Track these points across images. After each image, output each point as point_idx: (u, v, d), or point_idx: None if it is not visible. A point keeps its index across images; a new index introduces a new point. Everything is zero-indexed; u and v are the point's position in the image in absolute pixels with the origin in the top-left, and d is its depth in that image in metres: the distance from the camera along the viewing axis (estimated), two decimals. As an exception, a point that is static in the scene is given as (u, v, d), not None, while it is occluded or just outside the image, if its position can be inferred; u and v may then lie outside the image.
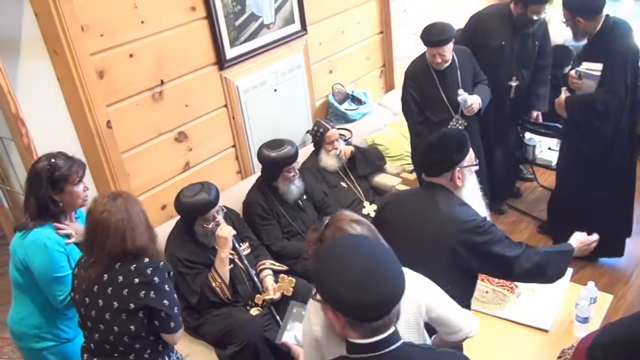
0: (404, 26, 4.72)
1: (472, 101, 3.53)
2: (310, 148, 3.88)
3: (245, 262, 3.05)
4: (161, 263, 2.10)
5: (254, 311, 2.99)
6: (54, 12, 2.60)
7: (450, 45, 3.47)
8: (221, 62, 3.42)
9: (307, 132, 3.98)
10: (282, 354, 2.93)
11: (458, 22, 5.05)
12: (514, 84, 3.87)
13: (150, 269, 2.06)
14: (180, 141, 3.35)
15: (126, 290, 2.04)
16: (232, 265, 3.02)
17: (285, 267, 3.21)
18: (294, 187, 3.36)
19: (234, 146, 3.68)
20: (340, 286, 1.34)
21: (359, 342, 1.39)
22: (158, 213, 3.32)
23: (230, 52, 3.46)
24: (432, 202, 2.20)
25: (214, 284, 2.87)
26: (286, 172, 3.29)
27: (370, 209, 3.68)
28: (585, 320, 2.54)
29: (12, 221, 3.30)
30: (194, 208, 2.85)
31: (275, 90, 3.80)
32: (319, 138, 3.73)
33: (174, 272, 2.52)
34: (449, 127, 3.63)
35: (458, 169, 2.20)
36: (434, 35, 3.42)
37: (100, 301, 2.07)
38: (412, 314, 1.75)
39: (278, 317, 2.97)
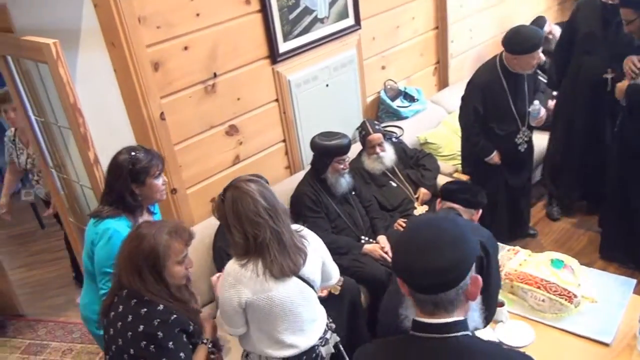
0: (460, 22, 4.60)
1: (543, 112, 3.49)
2: (359, 146, 3.82)
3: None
4: (173, 317, 1.92)
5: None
6: (112, 4, 2.62)
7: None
8: (274, 56, 3.40)
9: (357, 129, 3.92)
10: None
11: (514, 17, 4.91)
12: (609, 76, 3.57)
13: (159, 320, 1.90)
14: (231, 134, 3.35)
15: (130, 334, 1.91)
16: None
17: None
18: (343, 181, 3.32)
19: (284, 141, 3.65)
20: (401, 253, 1.41)
21: (420, 320, 1.39)
22: (207, 206, 3.32)
23: (283, 46, 3.43)
24: None
25: None
26: (337, 162, 3.26)
27: (421, 209, 3.60)
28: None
29: (67, 208, 3.38)
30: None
31: (327, 85, 3.75)
32: (362, 139, 3.67)
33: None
34: (516, 140, 3.56)
35: None
36: (533, 39, 3.30)
37: (111, 330, 1.98)
38: (318, 257, 2.26)
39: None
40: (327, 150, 3.26)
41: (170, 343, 1.89)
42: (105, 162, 2.81)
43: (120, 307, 1.95)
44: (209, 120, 3.22)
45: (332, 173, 3.30)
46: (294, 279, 2.17)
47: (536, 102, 3.50)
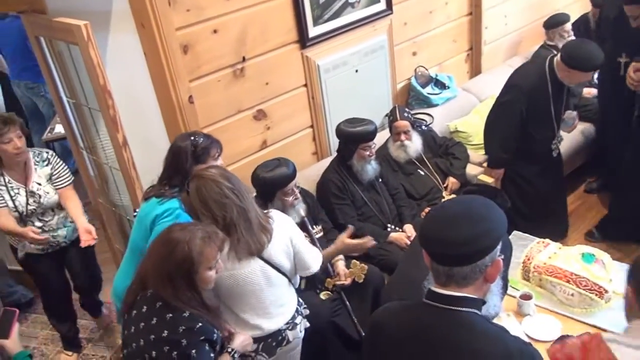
0: (495, 8, 4.48)
1: (577, 121, 3.58)
2: (387, 133, 3.76)
3: (318, 244, 3.01)
4: (198, 325, 1.87)
5: (323, 295, 2.96)
6: (143, -14, 2.63)
7: None
8: (303, 40, 3.36)
9: (386, 115, 3.87)
10: (350, 340, 2.89)
11: (550, 4, 4.77)
12: (622, 60, 3.50)
13: (183, 327, 1.84)
14: (259, 119, 3.34)
15: (153, 336, 1.86)
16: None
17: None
18: (370, 168, 3.29)
19: (311, 126, 3.63)
20: (428, 223, 1.48)
21: (433, 289, 1.44)
22: (234, 190, 3.33)
23: (313, 31, 3.39)
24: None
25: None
26: (362, 149, 3.22)
27: (449, 199, 3.54)
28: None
29: (97, 189, 3.43)
30: (273, 182, 2.83)
31: (356, 71, 3.70)
32: (389, 125, 3.62)
33: None
34: (552, 146, 3.51)
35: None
36: (596, 60, 3.19)
37: (132, 328, 1.93)
38: (286, 241, 2.26)
39: (348, 304, 2.92)
40: (352, 137, 3.23)
41: (194, 351, 1.85)
42: (134, 144, 2.85)
43: (144, 307, 1.91)
44: (237, 104, 3.22)
45: (357, 160, 3.26)
46: (258, 261, 2.20)
47: (573, 111, 3.55)
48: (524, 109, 3.35)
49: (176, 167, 2.40)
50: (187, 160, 2.37)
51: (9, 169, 2.93)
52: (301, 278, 2.64)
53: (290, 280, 2.36)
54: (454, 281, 1.40)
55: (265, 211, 2.32)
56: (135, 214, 2.82)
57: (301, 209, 2.99)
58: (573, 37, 4.35)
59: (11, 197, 2.92)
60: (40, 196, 2.97)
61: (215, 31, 2.98)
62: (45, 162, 3.01)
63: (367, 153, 3.25)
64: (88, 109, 2.98)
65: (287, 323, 2.36)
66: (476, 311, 1.42)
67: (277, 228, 2.26)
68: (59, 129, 4.45)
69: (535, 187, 3.60)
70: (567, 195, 3.97)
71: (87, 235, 2.94)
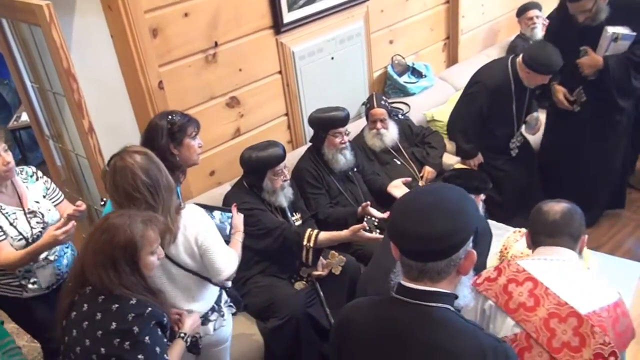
0: (473, -4, 4.45)
1: (540, 123, 3.61)
2: (364, 122, 3.71)
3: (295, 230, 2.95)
4: (148, 310, 1.78)
5: (298, 285, 2.90)
6: (109, -35, 2.52)
7: None
8: (278, 26, 3.28)
9: (363, 104, 3.81)
10: (324, 331, 2.84)
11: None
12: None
13: (133, 315, 1.75)
14: (232, 106, 3.26)
15: (100, 332, 1.76)
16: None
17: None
18: (341, 157, 3.21)
19: (286, 114, 3.56)
20: (397, 215, 1.40)
21: (404, 284, 1.39)
22: (206, 179, 3.25)
23: (287, 16, 3.31)
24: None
25: (305, 242, 2.73)
26: (332, 135, 3.15)
27: (425, 188, 3.51)
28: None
29: (64, 179, 3.31)
30: (264, 161, 2.82)
31: (332, 58, 3.63)
32: (366, 113, 3.56)
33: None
34: (510, 144, 3.62)
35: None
36: (554, 65, 3.29)
37: (74, 331, 1.80)
38: (190, 240, 2.11)
39: (322, 294, 2.87)
40: (321, 123, 3.17)
41: (147, 338, 1.77)
42: (101, 130, 2.75)
43: (85, 305, 1.80)
44: (210, 91, 3.13)
45: (328, 147, 3.19)
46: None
47: (536, 113, 3.59)
48: (485, 106, 3.46)
49: (151, 144, 2.34)
50: (162, 138, 2.35)
51: None
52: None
53: (204, 278, 2.23)
54: (427, 276, 1.35)
55: (182, 205, 2.16)
56: (102, 202, 2.73)
57: (290, 193, 2.97)
58: (538, 25, 4.31)
59: (10, 223, 2.38)
60: (42, 215, 2.47)
61: (186, 14, 2.88)
62: (34, 177, 2.54)
63: (338, 140, 3.17)
64: (52, 94, 2.86)
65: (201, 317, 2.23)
66: (449, 307, 1.37)
67: (184, 227, 2.13)
68: (25, 117, 4.30)
69: (509, 175, 3.62)
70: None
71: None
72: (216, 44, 3.06)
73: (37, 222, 2.44)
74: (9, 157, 2.34)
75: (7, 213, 2.37)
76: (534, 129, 3.64)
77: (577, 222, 1.89)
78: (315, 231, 2.76)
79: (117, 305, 1.77)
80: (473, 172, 2.68)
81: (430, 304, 1.35)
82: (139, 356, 1.75)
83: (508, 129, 3.59)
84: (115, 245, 1.78)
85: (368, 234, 2.68)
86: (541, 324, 1.71)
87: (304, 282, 2.92)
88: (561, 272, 1.80)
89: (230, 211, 2.45)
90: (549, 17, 3.76)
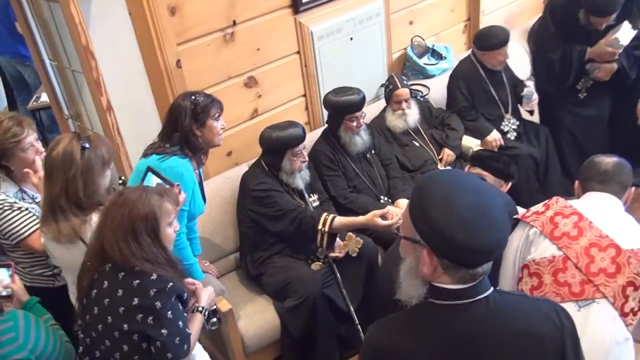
0: (495, -23, 4.35)
1: (536, 96, 3.65)
2: (382, 104, 3.67)
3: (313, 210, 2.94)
4: (169, 285, 1.80)
5: (315, 266, 2.89)
6: (128, -58, 2.50)
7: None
8: (296, 5, 3.24)
9: (382, 86, 3.76)
10: (341, 313, 2.83)
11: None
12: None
13: (154, 290, 1.77)
14: (249, 86, 3.23)
15: (122, 308, 1.77)
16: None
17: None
18: (359, 139, 3.17)
19: (304, 95, 3.52)
20: (448, 222, 1.18)
21: (446, 287, 1.24)
22: (223, 160, 3.24)
23: (306, -5, 3.27)
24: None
25: (320, 226, 2.72)
26: (348, 120, 3.11)
27: (444, 170, 3.46)
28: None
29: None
30: (284, 141, 2.81)
31: (351, 39, 3.58)
32: (387, 94, 3.50)
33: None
34: (502, 127, 3.73)
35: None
36: (499, 37, 3.57)
37: (95, 309, 1.82)
38: None
39: (339, 276, 2.86)
40: (337, 107, 3.11)
41: (169, 313, 1.79)
42: (119, 109, 2.75)
43: (105, 282, 1.81)
44: (227, 70, 3.10)
45: (344, 131, 3.15)
46: (81, 245, 2.05)
47: (530, 83, 3.68)
48: (466, 91, 3.68)
49: (174, 124, 2.41)
50: (185, 119, 2.38)
51: (26, 181, 2.37)
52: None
53: None
54: (478, 277, 1.24)
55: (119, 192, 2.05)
56: (121, 181, 2.73)
57: (307, 175, 2.95)
58: None
59: None
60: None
61: (204, -8, 2.86)
62: None
63: (354, 124, 3.12)
64: (71, 72, 2.86)
65: None
66: (492, 288, 1.28)
67: None
68: (45, 97, 4.32)
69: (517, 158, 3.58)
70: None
71: None
72: (234, 23, 3.03)
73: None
74: (41, 147, 2.38)
75: (39, 202, 2.35)
76: (530, 101, 3.65)
77: (627, 174, 2.07)
78: (331, 216, 2.74)
79: (138, 281, 1.78)
80: (508, 158, 2.77)
81: (483, 295, 1.25)
82: (162, 331, 1.77)
83: (496, 112, 3.72)
84: (135, 217, 1.79)
85: (384, 222, 2.62)
86: (582, 251, 1.88)
87: (320, 263, 2.91)
88: (607, 211, 1.98)
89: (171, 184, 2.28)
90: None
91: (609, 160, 2.08)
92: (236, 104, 3.20)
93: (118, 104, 2.73)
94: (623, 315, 1.84)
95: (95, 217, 2.03)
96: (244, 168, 3.13)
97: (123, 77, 2.80)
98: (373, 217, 2.61)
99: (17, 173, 2.35)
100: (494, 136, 3.62)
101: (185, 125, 2.40)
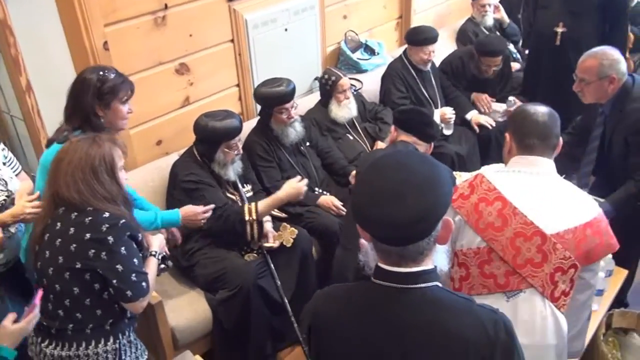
0: (426, -23, 4.46)
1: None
2: (316, 97, 3.66)
3: (247, 202, 2.88)
4: (122, 221, 1.79)
5: (248, 257, 2.83)
6: None
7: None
8: (231, -9, 3.18)
9: (316, 79, 3.76)
10: (274, 304, 2.79)
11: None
12: (559, 30, 3.66)
13: (107, 225, 1.76)
14: (181, 73, 3.13)
15: (74, 245, 1.75)
16: (231, 207, 2.85)
17: (284, 215, 3.04)
18: (291, 130, 3.12)
19: (237, 85, 3.45)
20: (363, 199, 1.22)
21: (384, 268, 1.25)
22: (152, 149, 3.12)
23: (241, -18, 3.21)
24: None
25: (247, 217, 2.69)
26: (278, 112, 3.07)
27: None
28: (600, 292, 2.40)
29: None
30: (221, 132, 2.71)
31: (285, 29, 3.55)
32: (330, 87, 3.48)
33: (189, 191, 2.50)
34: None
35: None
36: (425, 33, 3.71)
37: (47, 252, 1.80)
38: None
39: (272, 267, 2.81)
40: (266, 99, 3.06)
41: (123, 248, 1.76)
42: (39, 89, 2.58)
43: (58, 224, 1.79)
44: (158, 55, 2.99)
45: (276, 123, 3.10)
46: None
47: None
48: (401, 88, 3.78)
49: (75, 102, 2.17)
50: (88, 96, 2.14)
51: None
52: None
53: None
54: (409, 259, 1.22)
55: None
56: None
57: (239, 167, 2.87)
58: (489, 13, 4.43)
59: None
60: (6, 182, 2.23)
61: (134, -28, 2.74)
62: None
63: (284, 116, 3.07)
64: (-15, 50, 2.66)
65: None
66: (437, 283, 1.25)
67: None
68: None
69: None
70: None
71: None
72: (166, 7, 2.92)
73: (1, 190, 2.22)
74: None
75: None
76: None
77: (558, 125, 1.90)
78: (253, 203, 2.72)
79: (90, 218, 1.76)
80: (429, 115, 2.66)
81: (420, 285, 1.23)
82: (117, 266, 1.74)
83: (428, 107, 3.81)
84: (93, 157, 1.80)
85: (299, 183, 2.76)
86: (507, 243, 1.78)
87: (254, 254, 2.85)
88: (535, 188, 1.82)
89: None
90: None
91: (543, 111, 1.88)
92: (167, 91, 3.09)
93: (38, 85, 2.57)
94: (554, 300, 1.77)
95: None
96: (174, 157, 3.03)
97: (45, 57, 2.63)
98: (289, 186, 2.69)
99: None
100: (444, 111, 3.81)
101: (87, 104, 2.15)
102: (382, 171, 1.24)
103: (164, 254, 2.13)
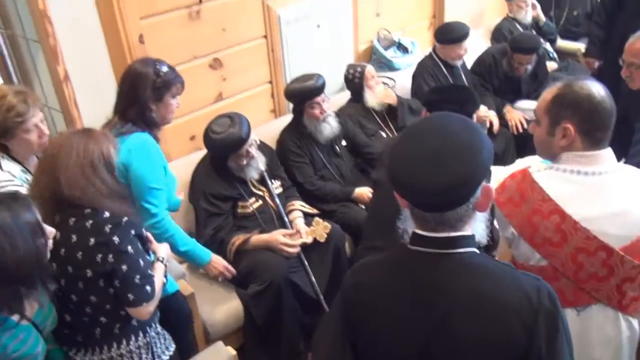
0: (460, -25, 4.40)
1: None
2: (348, 94, 3.61)
3: (277, 200, 2.85)
4: (124, 219, 1.72)
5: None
6: None
7: None
8: (264, -14, 3.17)
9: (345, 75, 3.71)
10: (306, 300, 2.74)
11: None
12: None
13: (110, 225, 1.69)
14: (215, 68, 3.12)
15: (80, 253, 1.68)
16: (261, 203, 2.82)
17: (315, 210, 2.99)
18: (326, 126, 3.07)
19: (270, 82, 3.43)
20: (401, 163, 1.19)
21: (420, 233, 1.22)
22: (186, 143, 3.11)
23: (274, -22, 3.20)
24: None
25: (233, 240, 2.69)
26: (309, 107, 3.02)
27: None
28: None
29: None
30: (222, 145, 2.65)
31: (318, 26, 3.53)
32: (359, 79, 3.44)
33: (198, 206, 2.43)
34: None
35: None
36: (458, 32, 3.67)
37: (54, 264, 1.70)
38: None
39: (306, 262, 2.77)
40: (295, 96, 3.03)
41: (129, 247, 1.70)
42: (77, 81, 2.60)
43: (57, 234, 1.68)
44: (192, 49, 2.99)
45: (309, 120, 3.06)
46: None
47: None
48: (431, 81, 3.72)
49: (134, 97, 2.16)
50: (146, 90, 2.15)
51: (27, 158, 2.16)
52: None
53: None
54: (447, 225, 1.19)
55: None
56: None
57: (260, 163, 2.81)
58: (528, 9, 4.34)
59: None
60: None
61: (170, -35, 2.75)
62: None
63: (317, 111, 3.02)
64: (25, 40, 2.68)
65: None
66: (475, 250, 1.22)
67: None
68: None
69: None
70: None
71: None
72: (200, 1, 2.93)
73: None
74: (46, 129, 2.14)
75: None
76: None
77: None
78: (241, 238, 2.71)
79: (91, 222, 1.69)
80: (461, 91, 2.51)
81: (459, 250, 1.20)
82: (123, 267, 1.67)
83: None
84: (92, 153, 1.73)
85: (285, 239, 2.69)
86: (568, 259, 1.61)
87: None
88: (597, 193, 1.59)
89: None
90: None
91: (604, 93, 1.59)
92: (201, 86, 3.09)
93: (75, 76, 2.58)
94: (623, 309, 1.64)
95: None
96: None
97: (82, 49, 2.64)
98: (277, 238, 2.67)
99: (17, 154, 2.11)
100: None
101: (145, 98, 2.16)
102: (417, 137, 1.21)
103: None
